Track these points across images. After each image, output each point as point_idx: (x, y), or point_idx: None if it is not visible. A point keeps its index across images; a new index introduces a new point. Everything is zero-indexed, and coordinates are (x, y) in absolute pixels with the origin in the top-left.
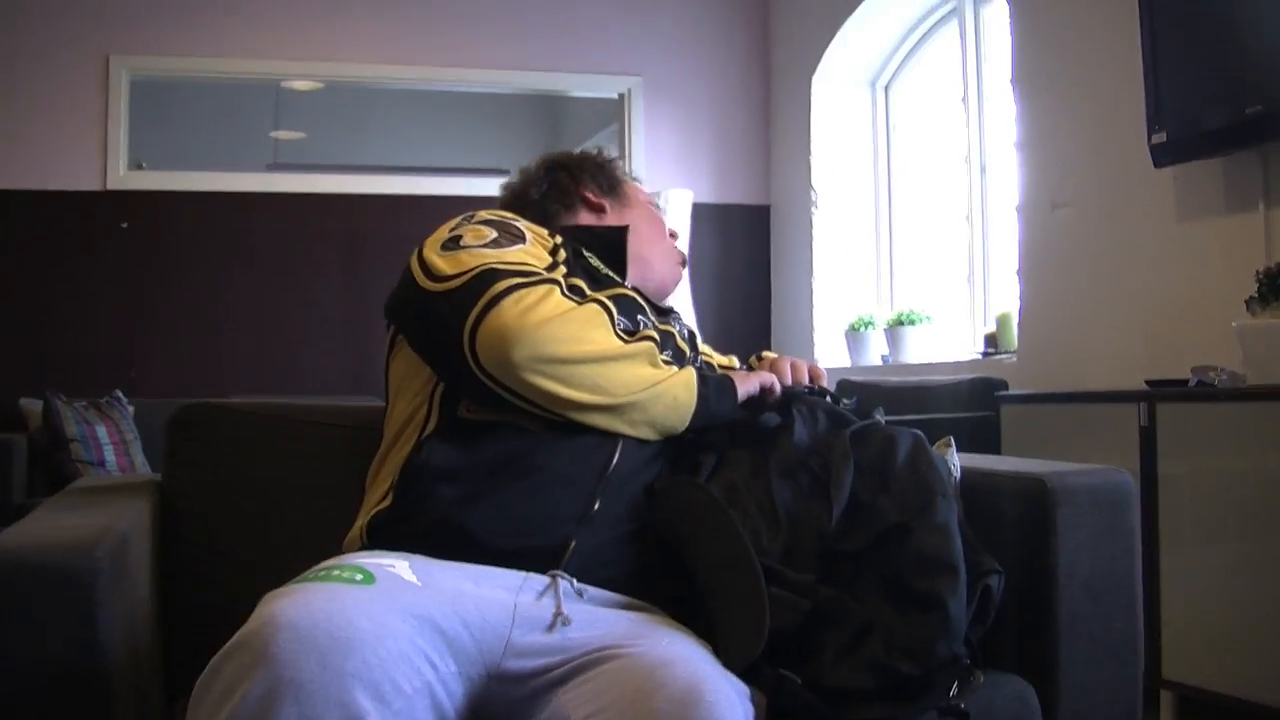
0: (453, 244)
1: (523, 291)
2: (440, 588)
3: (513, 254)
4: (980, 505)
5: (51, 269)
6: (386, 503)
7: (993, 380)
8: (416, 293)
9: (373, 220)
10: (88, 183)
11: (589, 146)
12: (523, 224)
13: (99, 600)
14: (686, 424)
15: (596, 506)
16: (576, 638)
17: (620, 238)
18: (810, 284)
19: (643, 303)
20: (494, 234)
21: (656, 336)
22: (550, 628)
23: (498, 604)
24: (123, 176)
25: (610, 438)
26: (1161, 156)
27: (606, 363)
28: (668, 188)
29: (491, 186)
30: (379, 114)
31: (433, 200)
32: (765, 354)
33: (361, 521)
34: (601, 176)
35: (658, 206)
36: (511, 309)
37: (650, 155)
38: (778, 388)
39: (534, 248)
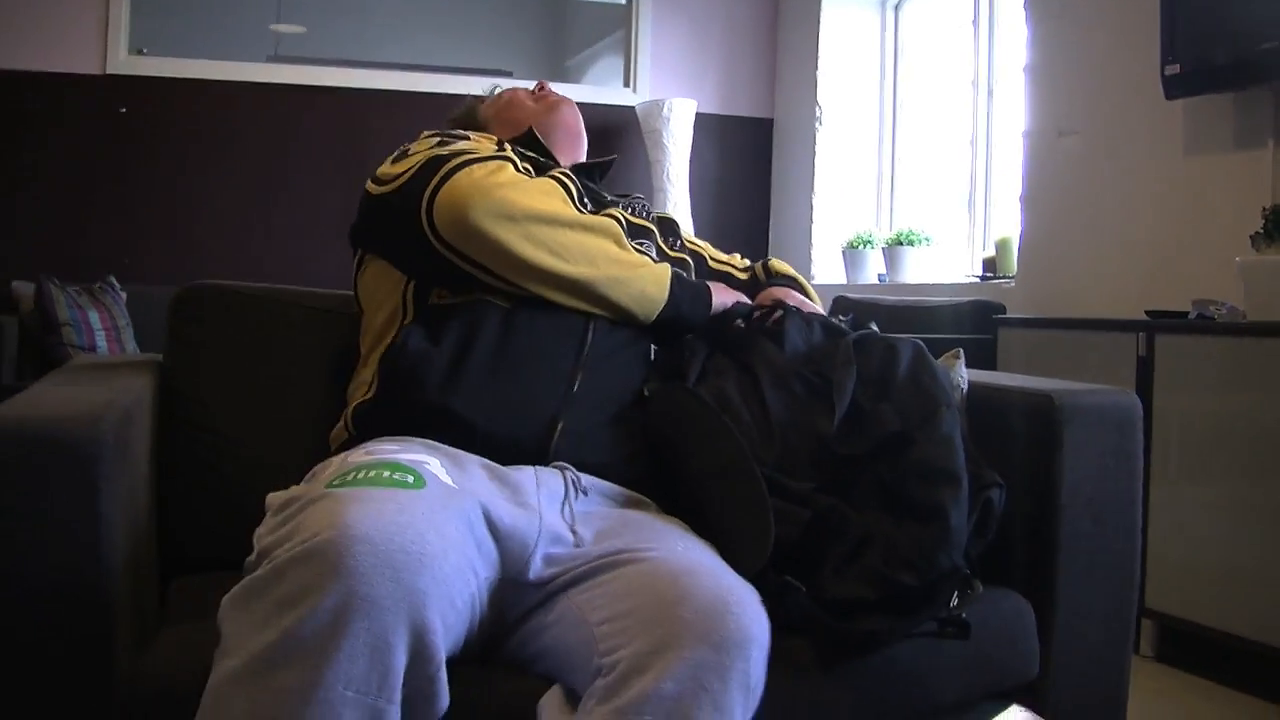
0: (399, 155)
1: (475, 165)
2: (472, 491)
3: (458, 146)
4: (986, 420)
5: (48, 151)
6: (370, 393)
7: (991, 304)
8: (370, 200)
9: (373, 115)
10: (87, 66)
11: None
12: (467, 132)
13: (103, 474)
14: (651, 320)
15: (577, 386)
16: (590, 545)
17: (529, 135)
18: (810, 200)
19: (577, 186)
20: (438, 139)
21: (621, 217)
22: (572, 544)
23: (524, 516)
24: (123, 61)
25: (582, 316)
26: (1173, 88)
27: (565, 228)
28: (671, 96)
29: (492, 86)
30: (382, 9)
31: (434, 98)
32: (774, 265)
33: (347, 412)
34: (455, 127)
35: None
36: (466, 178)
37: (655, 63)
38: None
39: (479, 143)
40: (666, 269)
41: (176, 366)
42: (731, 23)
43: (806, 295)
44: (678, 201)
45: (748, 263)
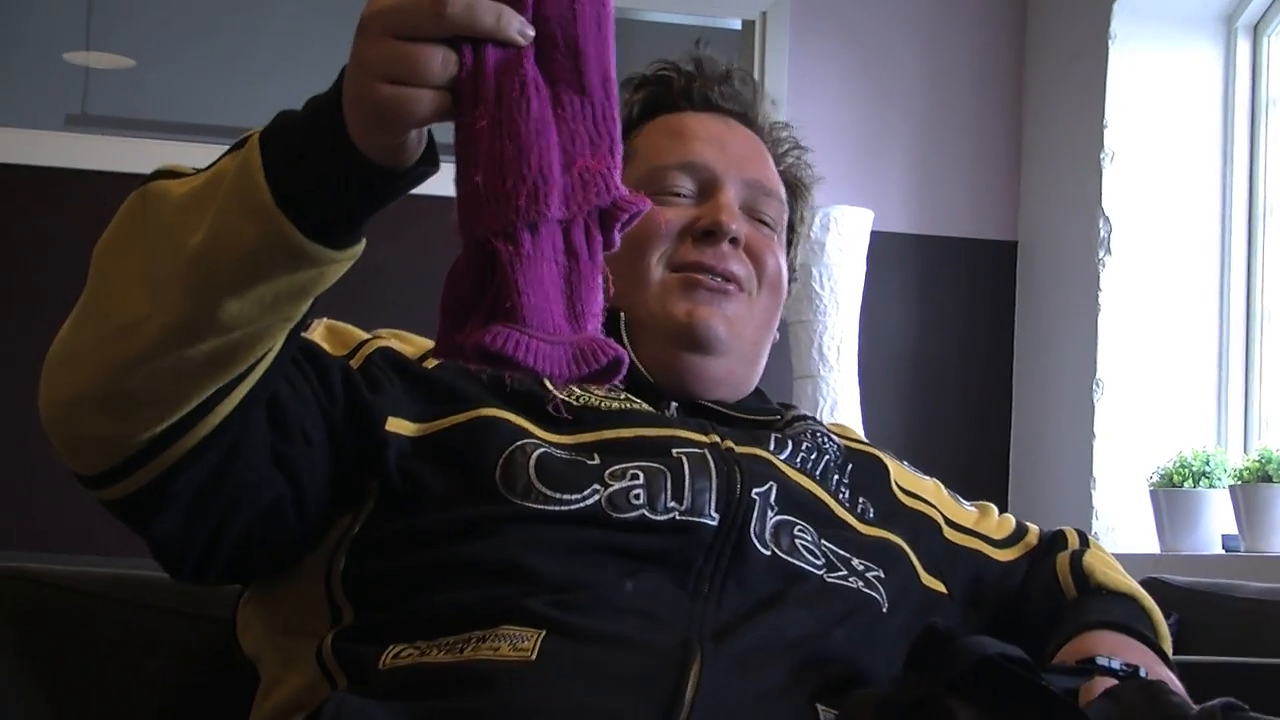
0: None
1: None
2: None
3: None
4: None
5: None
6: None
7: None
8: None
9: None
10: None
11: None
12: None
13: None
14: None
15: None
16: None
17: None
18: (1090, 390)
19: (661, 410)
20: None
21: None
22: None
23: None
24: None
25: (674, 650)
26: None
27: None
28: (827, 204)
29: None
30: (273, 32)
31: None
32: (1091, 565)
33: None
34: None
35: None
36: None
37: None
38: None
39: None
40: (250, 151)
41: None
42: (934, 66)
43: (1152, 633)
44: (839, 393)
45: (1013, 525)
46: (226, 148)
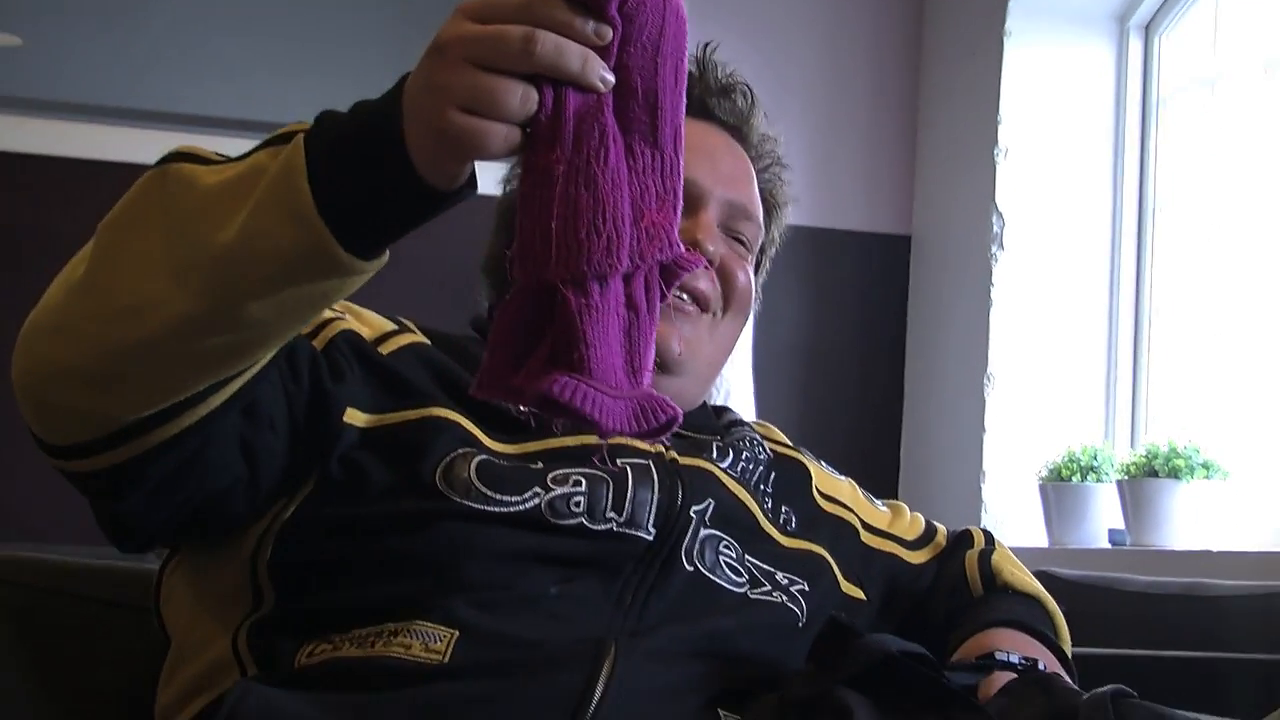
0: None
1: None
2: None
3: None
4: None
5: None
6: None
7: None
8: None
9: None
10: None
11: None
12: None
13: None
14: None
15: None
16: None
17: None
18: (981, 386)
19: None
20: None
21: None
22: None
23: None
24: None
25: (588, 648)
26: None
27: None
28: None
29: None
30: (165, 12)
31: None
32: (997, 564)
33: None
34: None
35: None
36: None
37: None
38: None
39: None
40: (293, 153)
41: None
42: (832, 57)
43: (1054, 634)
44: (733, 384)
45: (923, 525)
46: (143, 129)
